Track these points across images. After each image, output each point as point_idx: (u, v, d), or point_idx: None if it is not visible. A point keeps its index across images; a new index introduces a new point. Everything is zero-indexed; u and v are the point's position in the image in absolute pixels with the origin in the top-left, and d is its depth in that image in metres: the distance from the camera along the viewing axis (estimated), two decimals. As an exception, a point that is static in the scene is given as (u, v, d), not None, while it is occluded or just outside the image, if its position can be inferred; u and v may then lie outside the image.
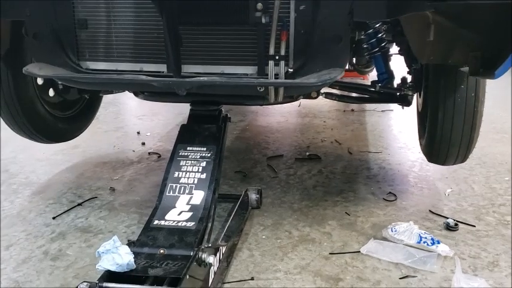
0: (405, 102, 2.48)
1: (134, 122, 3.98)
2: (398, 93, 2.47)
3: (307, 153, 3.05)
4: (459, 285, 1.60)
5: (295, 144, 3.29)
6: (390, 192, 2.43)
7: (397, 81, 2.56)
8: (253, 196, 2.21)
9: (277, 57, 1.73)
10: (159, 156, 3.03)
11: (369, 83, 2.62)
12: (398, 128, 3.66)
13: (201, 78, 1.75)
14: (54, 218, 2.19)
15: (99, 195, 2.43)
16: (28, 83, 2.36)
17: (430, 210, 2.23)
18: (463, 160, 2.28)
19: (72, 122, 2.77)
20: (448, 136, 2.11)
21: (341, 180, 2.63)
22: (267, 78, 1.76)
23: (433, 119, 2.13)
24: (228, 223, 1.95)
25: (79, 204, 2.32)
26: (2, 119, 2.47)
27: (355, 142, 3.32)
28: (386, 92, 2.51)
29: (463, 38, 1.57)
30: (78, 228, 2.10)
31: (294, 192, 2.46)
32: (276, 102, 1.93)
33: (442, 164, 2.35)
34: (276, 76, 1.75)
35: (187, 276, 1.39)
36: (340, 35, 1.70)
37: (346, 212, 2.22)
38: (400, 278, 1.72)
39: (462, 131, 2.09)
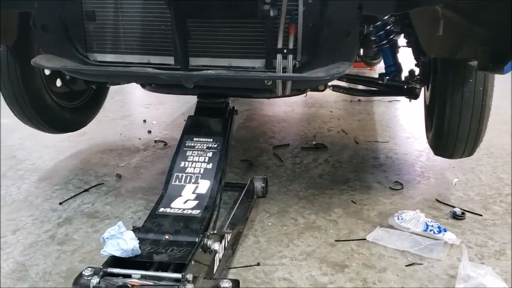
0: (413, 95, 2.46)
1: (140, 110, 3.99)
2: (405, 86, 2.46)
3: (314, 143, 3.05)
4: (465, 273, 1.58)
5: (302, 133, 3.28)
6: (397, 181, 2.42)
7: (404, 74, 2.55)
8: (258, 185, 2.21)
9: (285, 51, 1.72)
10: (165, 144, 3.03)
11: (377, 75, 2.60)
12: (405, 118, 3.64)
13: (208, 71, 1.74)
14: (60, 203, 2.20)
15: (105, 182, 2.44)
16: (36, 74, 2.37)
17: (436, 199, 2.22)
18: (470, 154, 2.27)
19: (79, 112, 2.79)
20: (455, 130, 2.10)
21: (347, 169, 2.63)
22: (275, 71, 1.75)
23: (440, 112, 2.12)
24: (234, 211, 1.95)
25: (85, 190, 2.33)
26: (10, 110, 2.48)
27: (361, 132, 3.30)
28: (394, 85, 2.50)
29: (473, 33, 1.55)
30: (85, 213, 2.11)
31: (300, 180, 2.46)
32: (283, 95, 1.92)
33: (449, 158, 2.35)
34: (284, 69, 1.74)
35: (193, 262, 1.38)
36: (349, 29, 1.68)
37: (352, 200, 2.22)
38: (406, 266, 1.71)
39: (470, 125, 2.07)
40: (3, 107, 2.51)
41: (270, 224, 2.01)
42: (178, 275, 1.29)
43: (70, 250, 1.82)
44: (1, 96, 2.44)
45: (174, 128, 3.40)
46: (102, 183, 2.42)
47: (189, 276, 1.28)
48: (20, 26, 2.07)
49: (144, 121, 3.59)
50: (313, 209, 2.14)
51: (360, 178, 2.49)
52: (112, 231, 1.39)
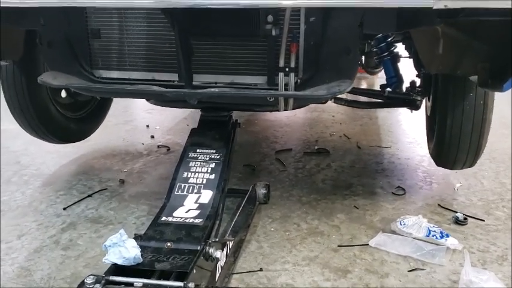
0: (414, 106, 2.48)
1: (143, 115, 4.00)
2: (407, 99, 2.48)
3: (316, 148, 3.06)
4: (468, 278, 1.59)
5: (304, 138, 3.29)
6: (399, 187, 2.43)
7: (406, 85, 2.56)
8: (260, 191, 2.21)
9: (287, 69, 1.74)
10: (168, 149, 3.05)
11: (378, 84, 2.63)
12: (408, 123, 3.65)
13: (212, 89, 1.78)
14: (64, 208, 2.21)
15: (108, 187, 2.45)
16: (41, 86, 2.39)
17: (439, 205, 2.22)
18: (471, 165, 2.30)
19: (84, 122, 2.85)
20: (456, 143, 2.13)
21: (350, 174, 2.63)
22: (277, 88, 1.77)
23: (441, 125, 2.15)
24: (235, 218, 1.94)
25: (89, 196, 2.34)
26: (16, 121, 2.53)
27: (364, 137, 3.31)
28: (395, 97, 2.52)
29: (473, 49, 1.55)
30: (89, 219, 2.12)
31: (303, 185, 2.47)
32: (285, 109, 1.95)
33: (450, 169, 2.37)
34: (286, 86, 1.75)
35: (194, 271, 1.38)
36: (350, 47, 1.71)
37: (354, 206, 2.22)
38: (408, 271, 1.72)
39: (470, 138, 2.10)
40: (5, 113, 2.53)
41: (272, 229, 2.02)
42: (180, 284, 1.30)
43: (74, 255, 1.83)
44: (1, 102, 2.48)
45: (177, 133, 3.41)
46: (106, 189, 2.43)
47: (191, 285, 1.28)
48: (26, 41, 2.10)
49: (147, 126, 3.61)
50: (315, 214, 2.15)
51: (363, 183, 2.50)
52: (114, 239, 1.39)
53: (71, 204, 2.25)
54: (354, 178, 2.57)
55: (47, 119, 2.52)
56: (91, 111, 2.88)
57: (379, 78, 4.92)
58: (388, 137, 3.32)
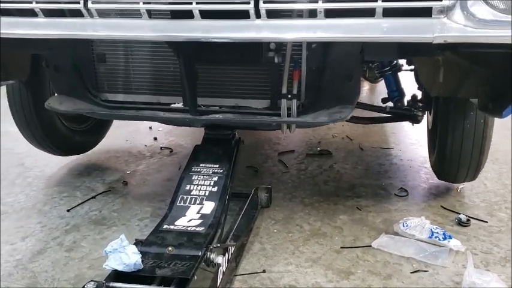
0: (415, 120, 2.49)
1: (146, 117, 4.01)
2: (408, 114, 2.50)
3: (318, 149, 3.06)
4: (471, 280, 1.59)
5: (306, 139, 3.30)
6: (402, 188, 2.43)
7: (407, 97, 2.56)
8: (263, 195, 2.21)
9: (289, 96, 1.76)
10: (171, 151, 3.05)
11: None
12: (410, 124, 3.64)
13: (216, 115, 1.81)
14: (68, 210, 2.22)
15: (112, 189, 2.46)
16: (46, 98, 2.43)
17: (441, 206, 2.23)
18: (472, 179, 2.32)
19: (88, 134, 2.88)
20: (457, 159, 2.16)
21: (352, 175, 2.64)
22: (280, 113, 1.79)
23: (442, 142, 2.17)
24: (237, 222, 1.95)
25: (93, 197, 2.35)
26: (21, 134, 2.58)
27: (366, 138, 3.31)
28: (397, 112, 2.54)
29: (473, 74, 1.56)
30: (92, 220, 2.13)
31: (305, 187, 2.47)
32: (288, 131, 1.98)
33: (452, 182, 2.39)
34: (289, 110, 1.78)
35: (195, 277, 1.39)
36: (351, 73, 1.72)
37: (357, 207, 2.23)
38: (411, 272, 1.72)
39: (471, 155, 2.12)
40: (8, 115, 2.55)
41: (275, 230, 2.03)
42: None
43: (78, 257, 1.84)
44: (1, 104, 2.50)
45: (179, 134, 3.42)
46: (109, 190, 2.44)
47: (193, 291, 1.29)
48: (32, 62, 2.12)
49: (150, 128, 3.61)
50: (318, 215, 2.15)
51: (365, 185, 2.50)
52: (114, 245, 1.39)
53: (75, 206, 2.26)
54: (357, 179, 2.57)
55: (52, 132, 2.56)
56: (95, 123, 2.90)
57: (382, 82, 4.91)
58: (391, 138, 3.32)
